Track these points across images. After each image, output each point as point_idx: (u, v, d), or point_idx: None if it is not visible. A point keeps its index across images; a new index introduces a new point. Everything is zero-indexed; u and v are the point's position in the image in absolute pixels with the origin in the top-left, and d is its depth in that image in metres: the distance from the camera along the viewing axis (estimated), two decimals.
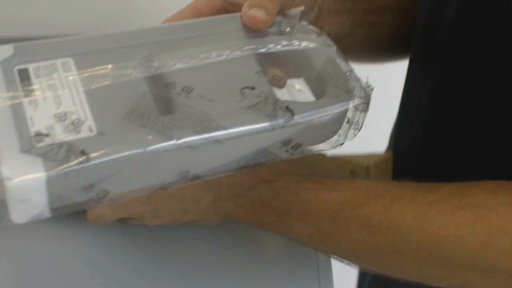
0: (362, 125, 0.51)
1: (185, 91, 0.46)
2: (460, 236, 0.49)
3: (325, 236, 0.53)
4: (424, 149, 0.65)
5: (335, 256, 0.56)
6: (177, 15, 0.55)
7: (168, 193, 0.55)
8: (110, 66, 0.47)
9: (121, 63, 0.47)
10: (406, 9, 0.69)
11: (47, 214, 0.43)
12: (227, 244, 0.61)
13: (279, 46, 0.51)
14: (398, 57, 0.74)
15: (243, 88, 0.47)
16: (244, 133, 0.46)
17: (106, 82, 0.46)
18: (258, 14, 0.51)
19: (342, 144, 0.52)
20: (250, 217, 0.55)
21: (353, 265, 0.56)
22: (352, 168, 0.65)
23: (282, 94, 0.49)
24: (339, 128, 0.50)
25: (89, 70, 0.46)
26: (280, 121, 0.47)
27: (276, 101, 0.47)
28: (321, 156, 0.64)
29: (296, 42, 0.52)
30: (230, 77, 0.48)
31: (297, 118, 0.47)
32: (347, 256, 0.55)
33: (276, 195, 0.54)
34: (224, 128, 0.45)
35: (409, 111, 0.68)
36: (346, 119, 0.50)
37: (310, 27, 0.54)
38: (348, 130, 0.50)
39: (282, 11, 0.54)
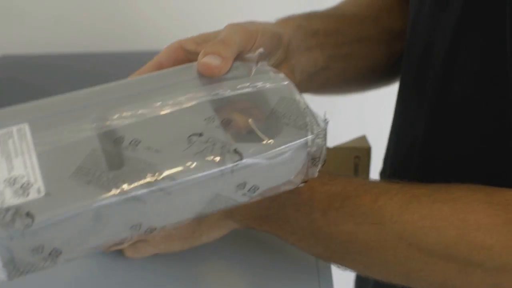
0: (323, 160, 0.50)
1: (133, 144, 0.47)
2: (436, 227, 0.50)
3: (315, 229, 0.54)
4: (423, 172, 0.63)
5: (324, 257, 0.57)
6: (141, 71, 0.56)
7: None
8: (63, 127, 0.48)
9: (74, 124, 0.48)
10: (387, 37, 0.68)
11: (4, 277, 0.44)
12: (227, 244, 0.62)
13: (234, 91, 0.51)
14: (381, 84, 0.73)
15: (190, 136, 0.47)
16: (192, 181, 0.46)
17: (59, 144, 0.47)
18: (212, 61, 0.51)
19: (305, 182, 0.51)
20: (250, 211, 0.56)
21: (341, 266, 0.56)
22: (356, 154, 0.69)
23: (234, 138, 0.49)
24: (298, 166, 0.49)
25: (43, 133, 0.47)
26: (229, 165, 0.46)
27: (224, 145, 0.47)
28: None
29: (252, 84, 0.52)
30: (179, 126, 0.48)
31: (246, 160, 0.47)
32: (334, 253, 0.55)
33: None
34: (169, 177, 0.45)
35: (403, 133, 0.67)
36: (307, 156, 0.49)
37: (267, 67, 0.53)
38: (309, 166, 0.50)
39: (241, 56, 0.54)
